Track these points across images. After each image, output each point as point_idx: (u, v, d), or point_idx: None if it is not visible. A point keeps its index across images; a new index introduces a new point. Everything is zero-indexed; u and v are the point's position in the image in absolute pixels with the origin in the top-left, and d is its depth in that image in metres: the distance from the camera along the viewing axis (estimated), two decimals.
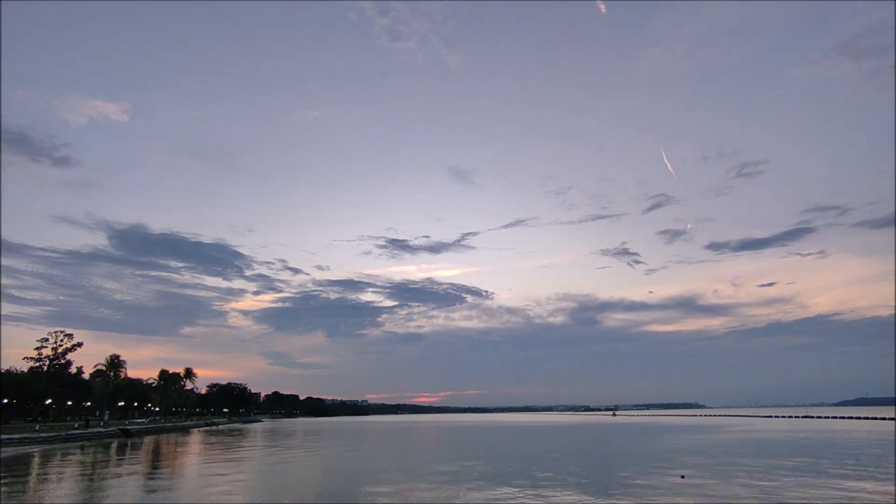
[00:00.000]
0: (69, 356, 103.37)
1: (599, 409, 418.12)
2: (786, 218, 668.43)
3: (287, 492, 22.87)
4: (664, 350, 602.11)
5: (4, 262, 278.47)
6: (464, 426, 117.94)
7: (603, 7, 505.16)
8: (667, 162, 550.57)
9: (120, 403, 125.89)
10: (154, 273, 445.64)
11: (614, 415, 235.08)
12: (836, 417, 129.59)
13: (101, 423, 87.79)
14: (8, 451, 46.53)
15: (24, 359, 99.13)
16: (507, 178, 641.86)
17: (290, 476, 28.92)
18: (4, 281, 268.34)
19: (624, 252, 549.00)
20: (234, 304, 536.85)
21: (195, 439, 71.04)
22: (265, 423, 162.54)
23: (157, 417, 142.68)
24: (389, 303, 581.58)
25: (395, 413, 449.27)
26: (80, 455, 44.47)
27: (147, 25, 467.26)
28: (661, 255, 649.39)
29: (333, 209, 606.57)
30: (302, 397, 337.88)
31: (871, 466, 28.66)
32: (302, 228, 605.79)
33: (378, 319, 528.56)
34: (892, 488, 21.20)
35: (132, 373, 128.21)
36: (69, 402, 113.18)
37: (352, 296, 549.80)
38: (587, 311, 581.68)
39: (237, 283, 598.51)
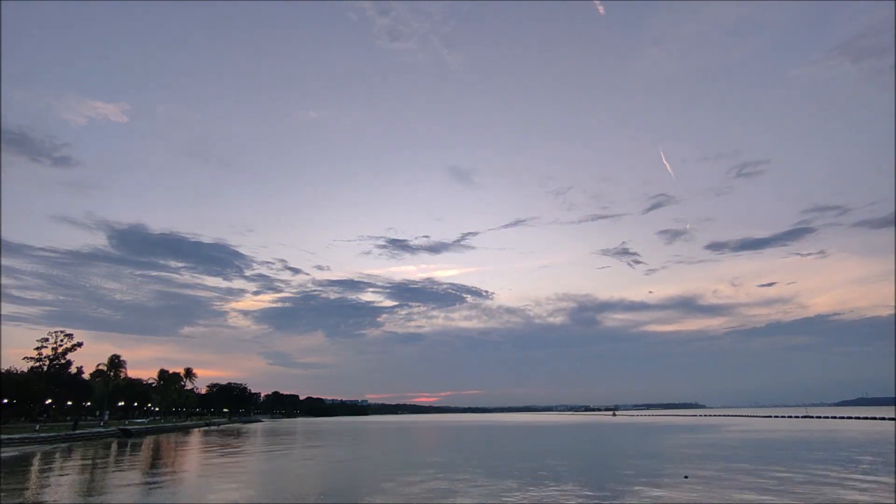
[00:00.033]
0: (69, 356, 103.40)
1: (599, 409, 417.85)
2: (786, 218, 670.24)
3: (287, 492, 22.86)
4: (664, 350, 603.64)
5: (4, 262, 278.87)
6: (464, 426, 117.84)
7: (601, 8, 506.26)
8: (665, 162, 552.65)
9: (120, 403, 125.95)
10: (154, 273, 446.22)
11: (614, 415, 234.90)
12: (836, 417, 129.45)
13: (102, 423, 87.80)
14: (8, 452, 46.51)
15: (24, 359, 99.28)
16: (507, 178, 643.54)
17: (289, 476, 28.92)
18: (4, 281, 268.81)
19: (624, 252, 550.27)
20: (234, 304, 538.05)
21: (195, 439, 71.03)
22: (265, 423, 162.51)
23: (157, 417, 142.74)
24: (389, 303, 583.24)
25: (395, 413, 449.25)
26: (81, 455, 44.45)
27: (147, 25, 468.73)
28: (661, 255, 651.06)
29: (333, 209, 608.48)
30: (302, 397, 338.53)
31: (871, 466, 28.67)
32: (302, 228, 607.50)
33: (378, 319, 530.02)
34: (892, 488, 21.20)
35: (132, 373, 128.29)
36: (69, 402, 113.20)
37: (352, 296, 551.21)
38: (587, 311, 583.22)
39: (237, 283, 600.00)
